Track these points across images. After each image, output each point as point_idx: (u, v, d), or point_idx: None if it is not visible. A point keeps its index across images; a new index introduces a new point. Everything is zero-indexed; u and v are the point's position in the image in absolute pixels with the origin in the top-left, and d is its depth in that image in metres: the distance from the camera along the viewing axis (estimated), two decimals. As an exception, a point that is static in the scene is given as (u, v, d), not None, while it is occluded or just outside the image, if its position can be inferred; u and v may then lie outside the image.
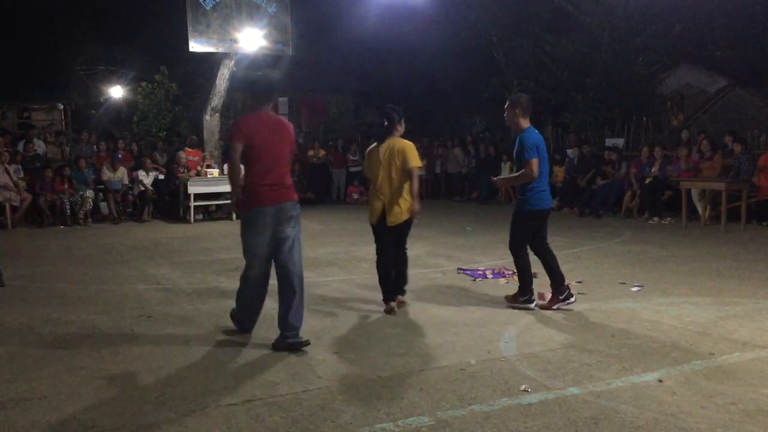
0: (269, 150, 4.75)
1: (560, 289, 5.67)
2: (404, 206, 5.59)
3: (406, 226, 5.73)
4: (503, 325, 5.20)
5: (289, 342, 4.64)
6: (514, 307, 5.70)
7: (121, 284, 7.00)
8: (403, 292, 5.87)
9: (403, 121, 5.76)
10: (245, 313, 5.05)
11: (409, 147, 5.63)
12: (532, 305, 5.66)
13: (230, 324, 5.19)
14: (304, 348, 4.59)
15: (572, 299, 5.67)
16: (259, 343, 4.81)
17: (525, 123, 5.69)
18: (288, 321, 4.65)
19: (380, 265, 5.72)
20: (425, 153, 17.14)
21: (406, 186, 5.58)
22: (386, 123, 5.69)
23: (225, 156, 14.08)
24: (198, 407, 3.65)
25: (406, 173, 5.55)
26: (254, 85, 5.11)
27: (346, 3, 18.83)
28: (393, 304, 5.66)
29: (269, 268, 4.84)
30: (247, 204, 4.77)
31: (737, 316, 5.31)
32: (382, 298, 5.71)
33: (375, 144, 5.79)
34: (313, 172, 16.67)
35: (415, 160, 5.59)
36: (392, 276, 5.72)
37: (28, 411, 3.64)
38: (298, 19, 14.63)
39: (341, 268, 7.41)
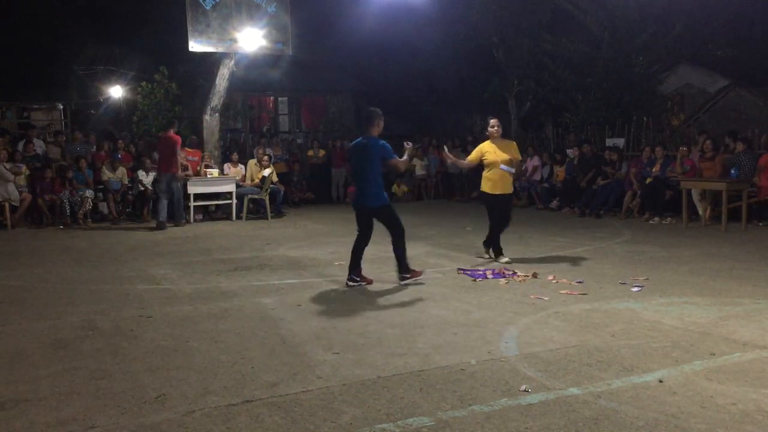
0: (161, 151, 11.95)
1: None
2: (509, 182, 8.00)
3: (509, 197, 8.11)
4: (503, 325, 5.20)
5: (174, 226, 11.70)
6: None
7: (121, 284, 7.00)
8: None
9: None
10: (158, 215, 11.70)
11: (515, 145, 8.15)
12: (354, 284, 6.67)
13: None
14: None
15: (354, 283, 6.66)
16: (259, 344, 4.81)
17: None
18: (174, 216, 11.82)
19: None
20: (425, 152, 17.16)
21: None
22: (497, 128, 7.90)
23: (224, 156, 14.26)
24: (198, 407, 3.64)
25: (515, 161, 7.97)
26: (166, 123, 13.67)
27: (345, 3, 18.82)
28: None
29: (167, 197, 11.76)
30: (159, 172, 12.04)
31: (738, 317, 5.30)
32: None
33: (486, 142, 8.01)
34: (313, 172, 16.67)
35: (518, 154, 8.12)
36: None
37: (28, 411, 3.63)
38: (297, 19, 14.61)
39: (341, 268, 7.40)
